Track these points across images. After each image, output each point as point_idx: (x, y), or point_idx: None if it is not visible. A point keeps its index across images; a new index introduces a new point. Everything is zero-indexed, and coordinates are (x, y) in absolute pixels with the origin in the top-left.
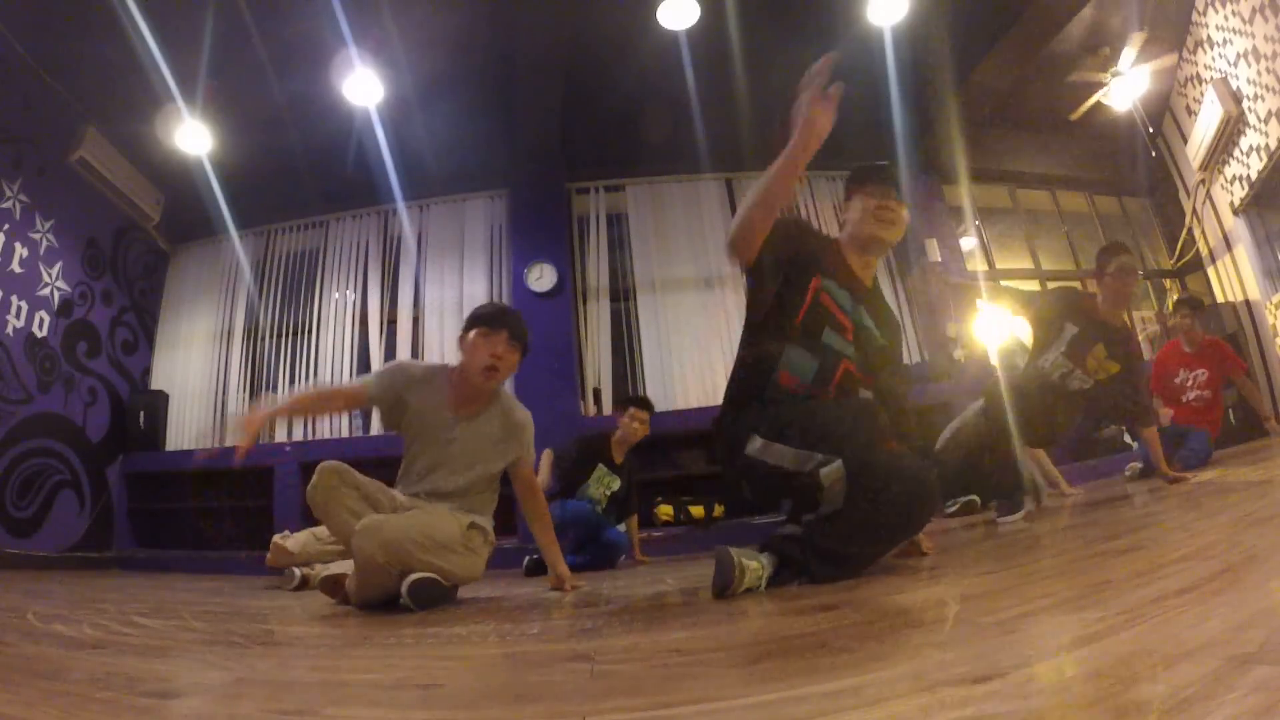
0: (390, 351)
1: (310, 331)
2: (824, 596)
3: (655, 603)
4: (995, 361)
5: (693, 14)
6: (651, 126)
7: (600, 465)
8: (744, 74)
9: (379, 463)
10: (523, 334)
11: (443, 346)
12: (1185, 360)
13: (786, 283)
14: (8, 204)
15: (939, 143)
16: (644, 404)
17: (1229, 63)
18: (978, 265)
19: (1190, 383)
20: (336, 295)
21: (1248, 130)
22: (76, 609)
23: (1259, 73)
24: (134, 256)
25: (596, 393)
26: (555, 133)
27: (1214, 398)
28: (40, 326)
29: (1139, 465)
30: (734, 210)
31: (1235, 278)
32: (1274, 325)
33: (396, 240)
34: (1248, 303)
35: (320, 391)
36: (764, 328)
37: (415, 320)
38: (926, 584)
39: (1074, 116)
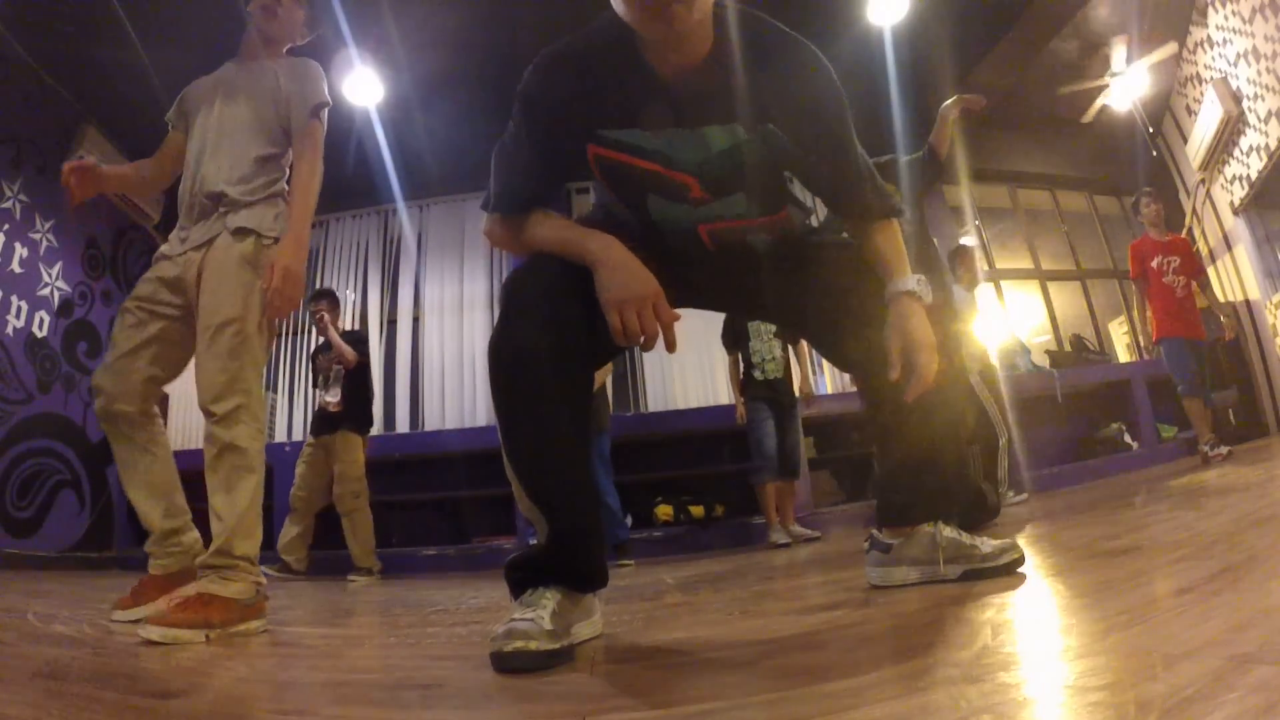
0: (390, 351)
1: (310, 331)
2: (824, 596)
3: (655, 603)
4: (995, 361)
5: None
6: None
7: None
8: None
9: (379, 463)
10: None
11: (443, 346)
12: (1158, 247)
13: None
14: (8, 204)
15: None
16: None
17: (1229, 63)
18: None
19: (1166, 267)
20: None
21: (1248, 130)
22: (76, 609)
23: (1259, 73)
24: (134, 256)
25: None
26: None
27: (1190, 293)
28: (40, 326)
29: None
30: None
31: (1235, 278)
32: (1274, 325)
33: (396, 240)
34: (1248, 303)
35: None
36: None
37: (415, 320)
38: (926, 584)
39: (1085, 119)
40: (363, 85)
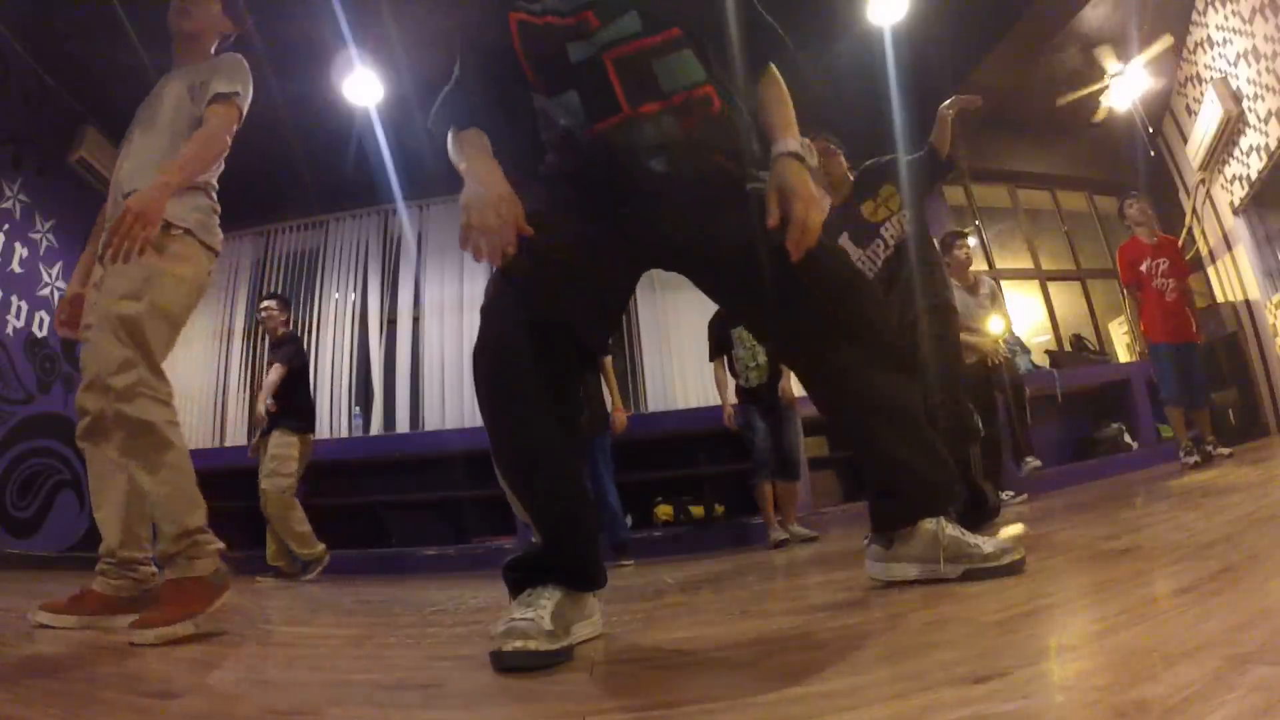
0: (390, 351)
1: (310, 331)
2: (824, 596)
3: (655, 603)
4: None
5: None
6: None
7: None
8: None
9: (379, 463)
10: None
11: (443, 346)
12: (1147, 250)
13: None
14: (8, 204)
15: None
16: None
17: (1229, 63)
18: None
19: (1156, 270)
20: (336, 295)
21: (1248, 130)
22: None
23: (1259, 73)
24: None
25: None
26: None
27: (1181, 293)
28: (40, 327)
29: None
30: None
31: (1235, 278)
32: (1274, 325)
33: (396, 240)
34: (1248, 303)
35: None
36: None
37: (415, 320)
38: (926, 584)
39: (1062, 102)
40: (363, 85)
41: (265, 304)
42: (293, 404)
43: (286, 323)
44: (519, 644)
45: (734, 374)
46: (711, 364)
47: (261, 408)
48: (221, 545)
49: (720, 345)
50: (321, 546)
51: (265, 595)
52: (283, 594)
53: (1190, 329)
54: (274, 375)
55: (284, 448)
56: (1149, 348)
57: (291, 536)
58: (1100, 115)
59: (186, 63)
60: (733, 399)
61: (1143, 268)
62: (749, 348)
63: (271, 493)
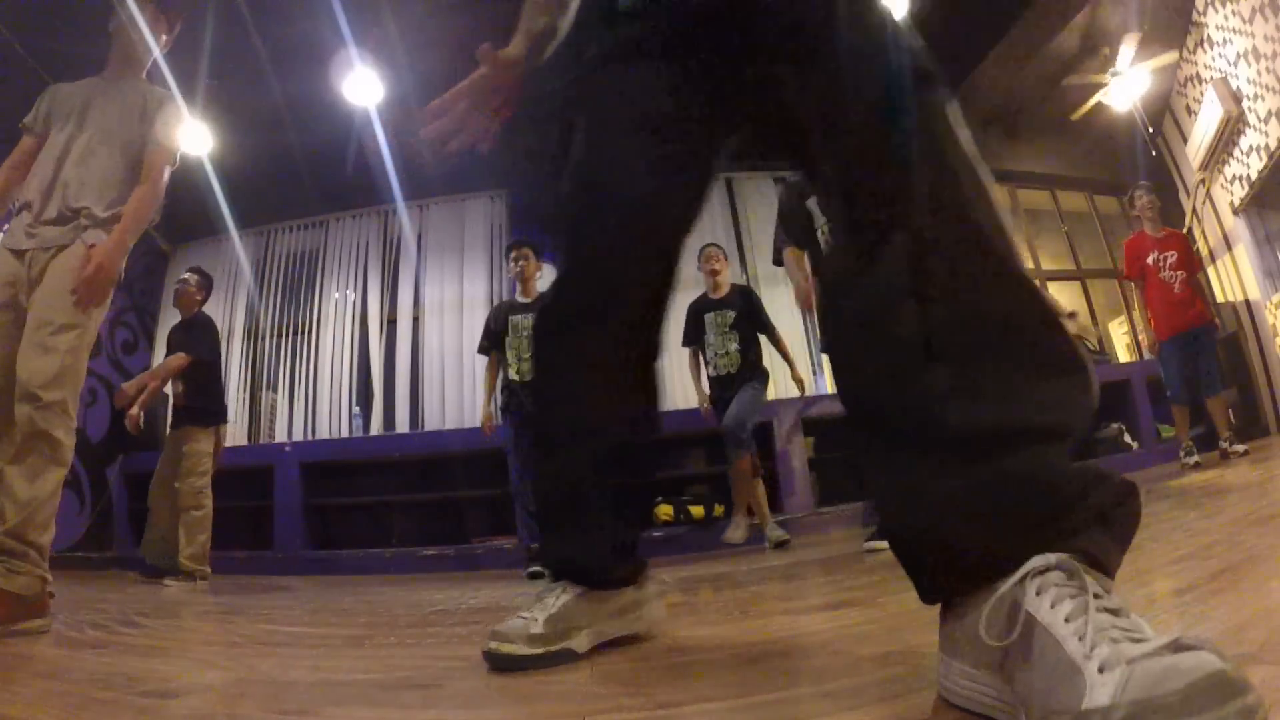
0: (390, 351)
1: (310, 331)
2: (824, 596)
3: None
4: None
5: None
6: None
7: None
8: None
9: (379, 463)
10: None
11: (443, 346)
12: (1154, 243)
13: None
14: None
15: None
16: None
17: (1229, 63)
18: None
19: (1163, 263)
20: (336, 295)
21: (1248, 130)
22: (76, 609)
23: (1259, 73)
24: (133, 257)
25: None
26: (554, 132)
27: (1189, 287)
28: None
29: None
30: (735, 210)
31: (1235, 278)
32: (1274, 325)
33: (396, 240)
34: (1248, 303)
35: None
36: None
37: (415, 320)
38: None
39: (1075, 117)
40: (363, 85)
41: (184, 275)
42: (202, 398)
43: (203, 302)
44: (495, 646)
45: (705, 361)
46: (686, 349)
47: (142, 402)
48: (49, 577)
49: (695, 331)
50: (207, 572)
51: (264, 595)
52: (282, 594)
53: (1198, 314)
54: (175, 363)
55: (194, 444)
56: (1158, 345)
57: (191, 542)
58: (1079, 114)
59: (127, 75)
60: (706, 387)
61: (1149, 260)
62: (720, 335)
63: (185, 492)
